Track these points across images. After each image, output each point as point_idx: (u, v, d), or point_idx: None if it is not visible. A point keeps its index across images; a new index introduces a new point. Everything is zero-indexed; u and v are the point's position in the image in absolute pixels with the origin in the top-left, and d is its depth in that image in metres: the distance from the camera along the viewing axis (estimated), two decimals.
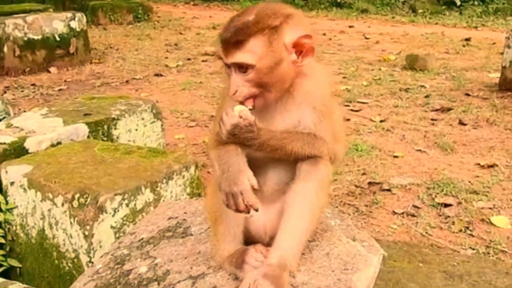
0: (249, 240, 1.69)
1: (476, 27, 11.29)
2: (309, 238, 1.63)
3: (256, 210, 1.49)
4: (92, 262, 2.54)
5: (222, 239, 1.66)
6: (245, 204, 1.47)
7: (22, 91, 6.87)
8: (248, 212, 1.49)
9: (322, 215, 1.74)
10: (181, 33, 10.93)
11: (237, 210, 1.49)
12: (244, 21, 1.52)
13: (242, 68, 1.53)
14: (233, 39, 1.52)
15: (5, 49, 7.31)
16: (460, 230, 3.50)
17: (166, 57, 8.72)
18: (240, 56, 1.52)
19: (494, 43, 9.25)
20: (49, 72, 7.68)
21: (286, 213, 1.57)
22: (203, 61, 8.45)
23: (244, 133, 1.51)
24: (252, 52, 1.51)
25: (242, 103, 1.56)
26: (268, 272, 1.49)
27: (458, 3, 12.93)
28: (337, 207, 3.83)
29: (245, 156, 1.56)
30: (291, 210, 1.56)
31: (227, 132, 1.51)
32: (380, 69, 7.74)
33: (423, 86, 6.82)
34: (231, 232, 1.66)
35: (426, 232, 3.48)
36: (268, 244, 1.63)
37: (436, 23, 11.82)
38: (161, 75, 7.59)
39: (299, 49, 1.56)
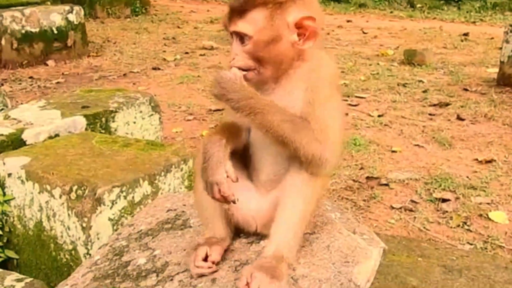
0: (238, 227, 1.71)
1: (474, 22, 11.28)
2: (306, 229, 1.61)
3: (233, 201, 1.50)
4: (90, 254, 2.54)
5: (204, 227, 1.70)
6: (221, 194, 1.49)
7: (20, 83, 6.84)
8: (227, 203, 1.51)
9: (319, 205, 1.71)
10: (178, 27, 10.90)
11: (215, 199, 1.51)
12: None
13: (242, 38, 1.54)
14: (237, 8, 1.53)
15: (3, 41, 7.27)
16: (458, 225, 3.50)
17: (164, 51, 8.69)
18: (240, 25, 1.53)
19: (492, 38, 9.25)
20: (47, 65, 7.65)
21: (280, 204, 1.55)
22: (201, 55, 8.42)
23: (227, 84, 1.47)
24: (252, 23, 1.51)
25: None
26: (263, 264, 1.49)
27: None
28: (335, 201, 3.82)
29: (241, 144, 1.59)
30: (285, 201, 1.54)
31: (213, 82, 1.49)
32: (378, 64, 7.74)
33: (421, 81, 6.82)
34: (208, 220, 1.69)
35: (424, 227, 3.48)
36: (258, 232, 1.66)
37: (434, 18, 11.81)
38: (159, 69, 7.57)
39: (302, 31, 1.54)
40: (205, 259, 1.60)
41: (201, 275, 1.59)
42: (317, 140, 1.50)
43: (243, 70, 1.54)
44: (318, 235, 1.65)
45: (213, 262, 1.60)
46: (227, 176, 1.50)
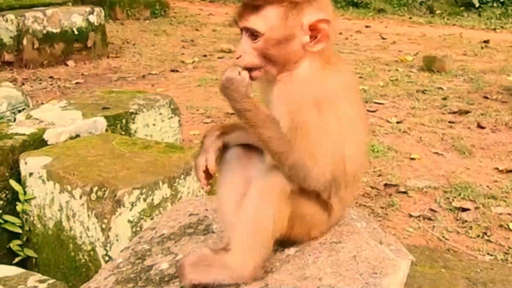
0: None
1: (495, 29, 11.15)
2: (263, 237, 1.53)
3: (203, 188, 1.68)
4: (109, 255, 2.54)
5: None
6: (198, 177, 1.65)
7: (40, 83, 6.90)
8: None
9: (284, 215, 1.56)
10: (197, 30, 10.92)
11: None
12: None
13: (253, 35, 1.52)
14: (251, 4, 1.52)
15: (25, 41, 7.34)
16: (478, 236, 3.46)
17: (182, 53, 8.72)
18: (252, 21, 1.51)
19: None
20: (67, 65, 7.71)
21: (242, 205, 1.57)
22: (219, 57, 8.43)
23: (233, 89, 1.47)
24: (265, 19, 1.50)
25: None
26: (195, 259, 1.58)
27: (477, 4, 12.78)
28: (352, 208, 3.79)
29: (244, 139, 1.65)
30: (244, 202, 1.55)
31: (221, 83, 1.50)
32: (397, 70, 7.68)
33: (440, 88, 6.76)
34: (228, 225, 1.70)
35: (443, 237, 3.44)
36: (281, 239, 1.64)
37: (454, 25, 11.69)
38: (177, 71, 7.59)
39: (315, 33, 1.52)
40: None
41: None
42: (302, 162, 1.48)
43: (249, 69, 1.52)
44: (344, 245, 1.63)
45: None
46: (206, 166, 1.62)
